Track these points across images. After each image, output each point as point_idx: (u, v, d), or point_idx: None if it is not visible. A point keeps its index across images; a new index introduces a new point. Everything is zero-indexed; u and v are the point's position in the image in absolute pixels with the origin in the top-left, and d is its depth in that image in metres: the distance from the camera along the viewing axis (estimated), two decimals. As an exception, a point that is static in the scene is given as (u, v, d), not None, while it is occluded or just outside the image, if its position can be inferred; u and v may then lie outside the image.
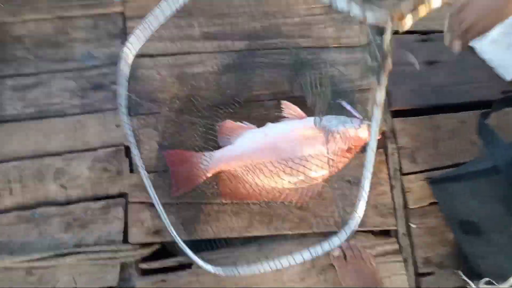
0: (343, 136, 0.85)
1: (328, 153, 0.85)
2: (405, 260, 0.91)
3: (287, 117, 0.90)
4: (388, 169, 0.95)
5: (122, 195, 0.90)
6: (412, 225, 0.93)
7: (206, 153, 0.88)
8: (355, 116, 0.87)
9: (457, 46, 0.74)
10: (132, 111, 0.94)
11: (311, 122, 0.87)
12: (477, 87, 1.02)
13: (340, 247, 0.86)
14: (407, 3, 0.56)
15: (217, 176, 0.89)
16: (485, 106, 0.98)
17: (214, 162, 0.87)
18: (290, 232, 0.90)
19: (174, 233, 0.83)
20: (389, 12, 0.57)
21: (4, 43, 0.97)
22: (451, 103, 1.01)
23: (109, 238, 0.87)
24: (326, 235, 0.88)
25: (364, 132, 0.85)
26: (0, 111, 0.93)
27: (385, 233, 0.94)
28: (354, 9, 0.59)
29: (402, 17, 0.57)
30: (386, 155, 0.96)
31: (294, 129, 0.87)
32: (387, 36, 0.59)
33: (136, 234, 0.87)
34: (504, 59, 1.00)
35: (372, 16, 0.58)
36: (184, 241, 0.84)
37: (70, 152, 0.92)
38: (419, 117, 0.99)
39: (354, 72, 0.99)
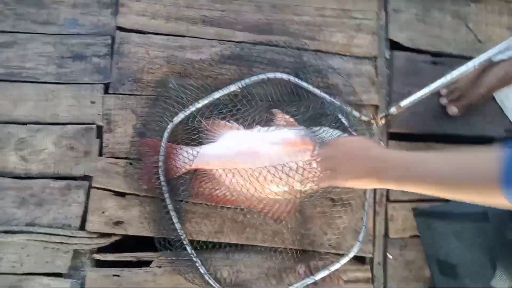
0: None
1: (315, 166, 0.80)
2: (375, 291, 0.86)
3: (278, 124, 0.84)
4: (375, 193, 0.90)
5: (86, 177, 0.83)
6: (389, 256, 0.88)
7: (185, 147, 0.81)
8: (349, 132, 0.81)
9: (452, 110, 0.93)
10: (112, 88, 0.86)
11: (302, 133, 0.81)
12: (481, 121, 0.96)
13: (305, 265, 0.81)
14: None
15: (192, 173, 0.82)
16: (486, 141, 0.93)
17: (193, 157, 0.80)
18: (261, 244, 0.84)
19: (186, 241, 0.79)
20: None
21: (-17, -7, 0.88)
22: (451, 134, 0.95)
23: (65, 222, 0.81)
24: (299, 253, 0.83)
25: None
26: (-34, 66, 0.85)
27: (359, 259, 0.89)
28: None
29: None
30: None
31: (283, 137, 0.81)
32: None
33: (95, 222, 0.81)
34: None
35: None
36: (143, 237, 0.78)
37: (37, 123, 0.84)
38: (416, 143, 0.93)
39: (358, 84, 0.92)
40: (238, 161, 0.80)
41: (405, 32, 0.98)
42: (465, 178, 0.55)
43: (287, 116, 0.82)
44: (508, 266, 0.68)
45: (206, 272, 0.78)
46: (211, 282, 0.78)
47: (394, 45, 0.98)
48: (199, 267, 0.78)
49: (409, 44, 0.97)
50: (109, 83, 0.87)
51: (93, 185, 0.82)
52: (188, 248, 0.79)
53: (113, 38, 0.88)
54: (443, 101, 0.94)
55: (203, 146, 0.81)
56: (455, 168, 0.55)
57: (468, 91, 0.91)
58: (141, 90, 0.87)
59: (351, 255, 0.82)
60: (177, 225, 0.79)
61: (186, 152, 0.80)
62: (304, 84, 0.85)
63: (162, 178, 0.79)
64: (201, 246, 0.81)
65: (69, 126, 0.84)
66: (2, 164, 0.82)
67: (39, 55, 0.87)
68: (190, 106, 0.82)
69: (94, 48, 0.87)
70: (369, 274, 0.87)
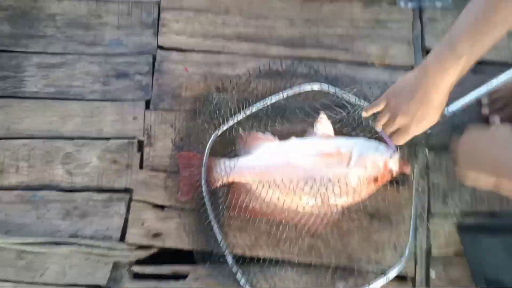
0: (372, 163, 0.78)
1: (353, 179, 0.79)
2: (417, 312, 0.82)
3: (315, 133, 0.84)
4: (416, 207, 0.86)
5: (127, 190, 0.86)
6: (432, 275, 0.84)
7: (223, 159, 0.83)
8: (387, 144, 0.80)
9: (495, 120, 0.82)
10: (152, 104, 0.90)
11: (338, 143, 0.81)
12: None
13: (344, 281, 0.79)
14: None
15: (228, 186, 0.83)
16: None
17: (229, 170, 0.81)
18: (296, 259, 0.83)
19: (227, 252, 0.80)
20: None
21: (37, 20, 0.96)
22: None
23: (107, 234, 0.83)
24: (336, 269, 0.81)
25: (395, 163, 0.77)
26: (21, 87, 0.91)
27: (400, 277, 0.85)
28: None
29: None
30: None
31: (320, 148, 0.81)
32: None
33: (135, 234, 0.82)
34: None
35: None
36: (182, 251, 0.78)
37: (82, 138, 0.88)
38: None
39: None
40: (273, 172, 0.81)
41: (441, 41, 0.96)
42: None
43: (329, 124, 0.82)
44: None
45: (246, 282, 0.77)
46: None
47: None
48: (239, 279, 0.77)
49: (446, 54, 0.95)
50: (150, 99, 0.91)
51: (134, 197, 0.84)
52: (229, 259, 0.78)
53: (154, 57, 0.93)
54: (485, 111, 0.91)
55: (239, 158, 0.82)
56: None
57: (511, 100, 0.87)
58: (180, 105, 0.90)
59: (395, 272, 0.79)
60: (219, 236, 0.79)
61: (224, 164, 0.81)
62: (343, 93, 0.85)
63: (204, 188, 0.80)
64: (237, 261, 0.80)
65: (112, 141, 0.88)
66: (50, 177, 0.86)
67: (86, 74, 0.92)
68: (230, 119, 0.84)
69: (137, 66, 0.92)
70: (411, 293, 0.83)
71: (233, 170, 0.81)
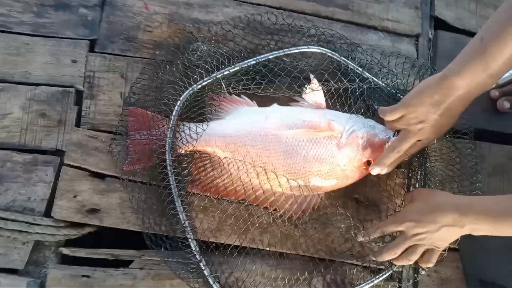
0: (366, 143, 0.65)
1: (342, 160, 0.65)
2: (404, 312, 0.71)
3: (303, 101, 0.69)
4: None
5: (57, 152, 0.67)
6: (422, 271, 0.72)
7: (188, 123, 0.66)
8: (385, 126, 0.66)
9: (504, 105, 0.78)
10: (98, 46, 0.71)
11: (329, 116, 0.66)
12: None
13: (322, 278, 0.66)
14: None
15: (191, 157, 0.66)
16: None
17: (195, 136, 0.65)
18: (267, 248, 0.68)
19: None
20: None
21: None
22: (500, 131, 0.80)
23: (27, 206, 0.65)
24: (312, 261, 0.68)
25: None
26: None
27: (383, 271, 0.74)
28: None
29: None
30: (409, 177, 0.75)
31: (306, 119, 0.66)
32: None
33: (64, 208, 0.64)
34: None
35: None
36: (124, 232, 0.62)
37: (2, 80, 0.68)
38: (461, 140, 0.78)
39: (397, 67, 0.77)
40: (248, 143, 0.66)
41: (453, 10, 0.83)
42: None
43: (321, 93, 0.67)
44: None
45: (210, 274, 0.62)
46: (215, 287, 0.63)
47: (439, 24, 0.83)
48: (203, 268, 0.62)
49: (457, 24, 0.83)
50: (96, 39, 0.72)
51: (65, 161, 0.66)
52: (193, 245, 0.63)
53: (105, -14, 0.73)
54: (494, 94, 0.80)
55: (208, 123, 0.66)
56: None
57: None
58: (135, 51, 0.72)
59: (388, 273, 0.67)
60: (181, 217, 0.63)
61: (189, 129, 0.65)
62: (348, 62, 0.72)
63: (168, 157, 0.64)
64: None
65: (42, 88, 0.69)
66: (-45, 127, 0.66)
67: (14, 0, 0.71)
68: (207, 76, 0.68)
69: (81, -4, 0.72)
70: (397, 293, 0.71)
71: (200, 136, 0.65)
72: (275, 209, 0.67)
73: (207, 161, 0.67)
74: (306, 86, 0.70)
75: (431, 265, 0.63)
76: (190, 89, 0.67)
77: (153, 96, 0.69)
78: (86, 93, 0.69)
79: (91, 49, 0.71)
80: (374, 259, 0.65)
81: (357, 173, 0.67)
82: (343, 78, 0.70)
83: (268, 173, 0.64)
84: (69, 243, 0.66)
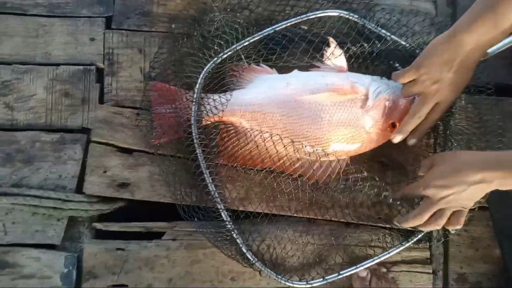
0: (392, 105, 0.64)
1: (368, 123, 0.64)
2: (434, 273, 0.71)
3: (324, 66, 0.68)
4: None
5: (83, 130, 0.68)
6: (452, 231, 0.72)
7: (211, 95, 0.66)
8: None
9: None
10: (114, 22, 0.71)
11: (352, 78, 0.65)
12: None
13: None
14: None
15: (216, 128, 0.67)
16: None
17: (220, 108, 0.65)
18: (295, 215, 0.69)
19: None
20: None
21: None
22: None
23: (59, 183, 0.66)
24: (341, 225, 0.68)
25: None
26: None
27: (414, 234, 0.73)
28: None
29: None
30: (435, 137, 0.74)
31: (329, 82, 0.65)
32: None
33: (95, 184, 0.66)
34: None
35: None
36: (156, 204, 0.63)
37: (24, 63, 0.69)
38: (483, 96, 0.75)
39: (414, 25, 0.74)
40: (271, 110, 0.65)
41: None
42: None
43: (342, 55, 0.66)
44: None
45: (243, 243, 0.63)
46: (249, 256, 0.63)
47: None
48: (236, 237, 0.63)
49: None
50: (111, 16, 0.71)
51: (93, 138, 0.67)
52: (224, 215, 0.63)
53: (117, -40, 0.72)
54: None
55: (231, 93, 0.66)
56: None
57: None
58: (151, 25, 0.71)
59: (419, 235, 0.67)
60: (211, 187, 0.63)
61: (213, 100, 0.64)
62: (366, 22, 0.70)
63: (194, 130, 0.64)
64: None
65: (63, 67, 0.69)
66: (-17, 111, 0.67)
67: (28, -20, 0.71)
68: (228, 48, 0.67)
69: (95, -28, 0.71)
70: (427, 254, 0.71)
71: (224, 107, 0.65)
72: (300, 176, 0.67)
73: (233, 132, 0.67)
74: (325, 50, 0.68)
75: (459, 226, 0.61)
76: (212, 62, 0.66)
77: (174, 69, 0.69)
78: (106, 70, 0.69)
79: (108, 26, 0.71)
80: (399, 225, 0.65)
81: (382, 135, 0.66)
82: (363, 42, 0.68)
83: (293, 140, 0.64)
84: (101, 218, 0.68)
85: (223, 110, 0.64)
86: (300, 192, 0.67)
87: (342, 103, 0.65)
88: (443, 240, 0.71)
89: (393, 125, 0.65)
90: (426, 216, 0.60)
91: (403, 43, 0.71)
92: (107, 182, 0.66)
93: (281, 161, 0.66)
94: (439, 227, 0.61)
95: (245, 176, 0.68)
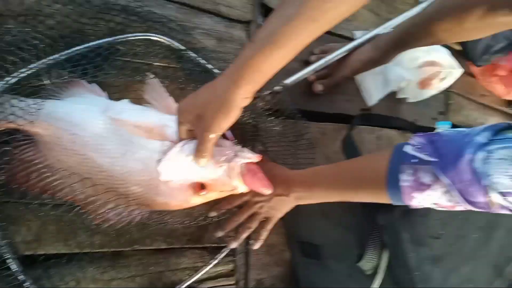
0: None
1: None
2: (236, 283, 0.77)
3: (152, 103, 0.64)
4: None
5: None
6: (251, 241, 0.80)
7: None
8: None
9: (318, 87, 0.90)
10: None
11: (168, 122, 0.61)
12: (341, 100, 0.97)
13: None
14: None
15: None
16: (345, 119, 0.93)
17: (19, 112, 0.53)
18: (98, 250, 0.63)
19: None
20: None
21: None
22: (314, 111, 0.92)
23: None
24: (150, 253, 0.67)
25: (239, 172, 0.59)
26: None
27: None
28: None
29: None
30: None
31: (141, 117, 0.61)
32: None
33: None
34: (370, 86, 0.98)
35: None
36: None
37: None
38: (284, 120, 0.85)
39: (230, 51, 0.77)
40: (80, 133, 0.58)
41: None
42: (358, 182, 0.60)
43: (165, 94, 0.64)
44: (377, 247, 0.71)
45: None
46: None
47: (269, 11, 0.86)
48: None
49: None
50: None
51: None
52: (14, 265, 0.54)
53: None
54: (311, 77, 0.90)
55: (44, 101, 0.57)
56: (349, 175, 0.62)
57: (334, 71, 0.90)
58: None
59: (226, 251, 0.73)
60: None
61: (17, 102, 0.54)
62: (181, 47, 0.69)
63: None
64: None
65: None
66: None
67: None
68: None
69: None
70: (231, 266, 0.77)
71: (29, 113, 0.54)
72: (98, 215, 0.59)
73: (32, 147, 0.56)
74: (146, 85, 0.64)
75: (265, 232, 0.72)
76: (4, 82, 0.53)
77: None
78: None
79: None
80: (218, 234, 0.71)
81: (182, 198, 0.61)
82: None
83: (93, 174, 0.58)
84: None
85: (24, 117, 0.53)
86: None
87: (143, 145, 0.59)
88: (244, 253, 0.78)
89: (200, 187, 0.61)
90: (241, 217, 0.70)
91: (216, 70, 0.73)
92: None
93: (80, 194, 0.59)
94: (251, 230, 0.71)
95: (35, 211, 0.58)
